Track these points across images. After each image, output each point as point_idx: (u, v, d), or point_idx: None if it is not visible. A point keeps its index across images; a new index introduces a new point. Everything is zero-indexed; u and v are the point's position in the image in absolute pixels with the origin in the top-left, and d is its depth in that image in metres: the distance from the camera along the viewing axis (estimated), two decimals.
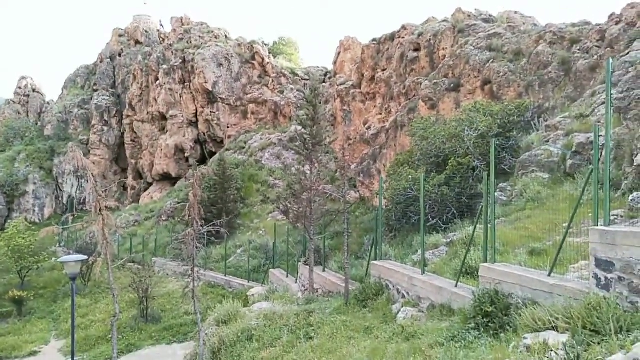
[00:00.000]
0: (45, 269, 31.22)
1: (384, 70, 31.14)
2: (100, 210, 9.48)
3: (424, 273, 9.88)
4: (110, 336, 17.73)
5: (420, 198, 11.00)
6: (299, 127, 27.92)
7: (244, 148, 42.08)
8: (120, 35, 62.44)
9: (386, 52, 31.54)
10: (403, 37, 30.02)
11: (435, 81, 24.32)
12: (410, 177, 16.46)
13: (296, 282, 17.98)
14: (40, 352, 19.85)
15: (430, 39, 26.93)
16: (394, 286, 10.82)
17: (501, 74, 21.27)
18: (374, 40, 33.29)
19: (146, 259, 28.80)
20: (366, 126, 30.60)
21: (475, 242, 9.05)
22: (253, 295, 17.94)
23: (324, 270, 16.01)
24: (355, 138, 30.66)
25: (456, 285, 8.48)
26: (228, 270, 24.64)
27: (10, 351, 19.98)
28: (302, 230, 18.27)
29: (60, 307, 25.49)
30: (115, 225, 10.93)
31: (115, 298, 9.93)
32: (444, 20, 27.85)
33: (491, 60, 22.18)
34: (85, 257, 12.39)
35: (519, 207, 11.81)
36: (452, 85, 23.49)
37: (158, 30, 62.11)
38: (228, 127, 46.30)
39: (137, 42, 60.55)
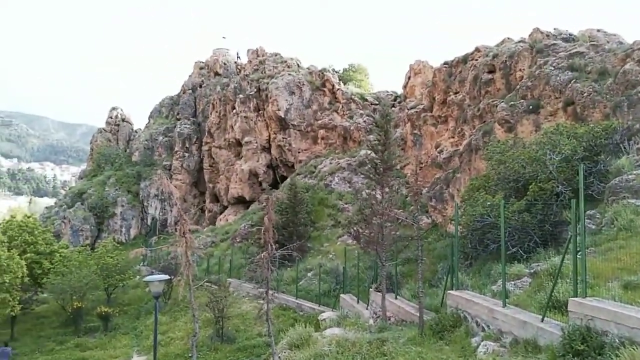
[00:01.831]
0: (130, 286, 33.28)
1: (456, 93, 30.57)
2: (183, 233, 10.04)
3: (505, 305, 9.39)
4: (188, 354, 18.45)
5: (499, 225, 10.55)
6: (369, 152, 27.93)
7: (313, 172, 42.79)
8: (201, 68, 66.68)
9: (459, 75, 31.00)
10: (476, 59, 29.39)
11: (512, 103, 23.46)
12: (487, 202, 15.84)
13: (367, 309, 17.73)
14: None
15: (505, 60, 26.14)
16: (472, 318, 10.36)
17: (585, 94, 20.10)
18: (445, 63, 32.88)
19: (222, 279, 29.80)
20: (438, 150, 30.02)
21: (562, 273, 8.49)
22: (324, 319, 17.90)
23: (396, 298, 15.69)
24: (427, 162, 30.12)
25: (542, 320, 7.96)
26: (299, 293, 24.85)
27: None
28: (373, 255, 18.10)
29: (142, 324, 26.93)
30: (196, 247, 11.49)
31: (196, 318, 10.37)
32: (520, 41, 26.96)
33: (573, 81, 21.06)
34: (168, 277, 13.09)
35: (609, 236, 10.94)
36: (530, 107, 22.52)
37: (235, 62, 65.58)
38: (299, 152, 47.43)
39: (216, 74, 64.23)
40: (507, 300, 9.53)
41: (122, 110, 70.97)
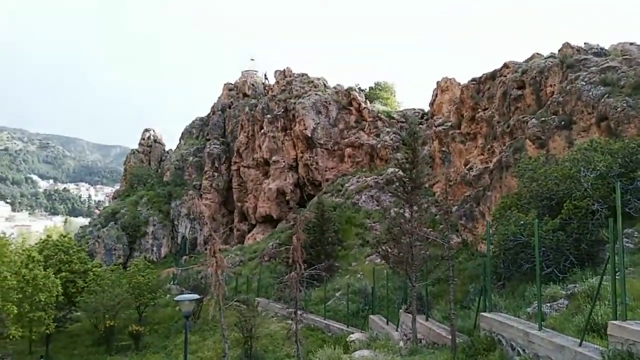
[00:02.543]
0: (160, 305, 33.67)
1: (485, 109, 30.24)
2: (214, 252, 10.16)
3: (541, 328, 9.06)
4: None
5: (533, 244, 10.27)
6: (396, 170, 27.76)
7: (340, 191, 42.76)
8: (230, 89, 68.12)
9: (487, 91, 30.70)
10: (505, 75, 29.08)
11: (543, 119, 23.03)
12: (519, 221, 15.47)
13: (397, 330, 17.42)
14: None
15: (535, 76, 25.77)
16: (507, 341, 10.04)
17: (619, 109, 19.56)
18: (473, 80, 32.65)
19: (250, 299, 29.88)
20: (467, 167, 29.61)
21: (601, 294, 8.16)
22: (353, 341, 17.66)
23: (427, 319, 15.37)
24: (456, 180, 29.72)
25: (580, 344, 7.64)
26: (327, 313, 24.63)
27: None
28: (402, 275, 17.84)
29: (172, 343, 27.15)
30: (226, 266, 11.59)
31: (225, 338, 10.40)
32: (550, 56, 26.56)
33: (606, 95, 20.54)
34: (199, 296, 13.19)
35: None
36: (562, 123, 22.05)
37: (263, 83, 66.76)
38: (326, 171, 47.58)
39: (245, 95, 65.45)
40: (543, 323, 9.21)
41: (154, 131, 72.86)
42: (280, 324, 24.27)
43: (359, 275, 29.29)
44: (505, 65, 29.97)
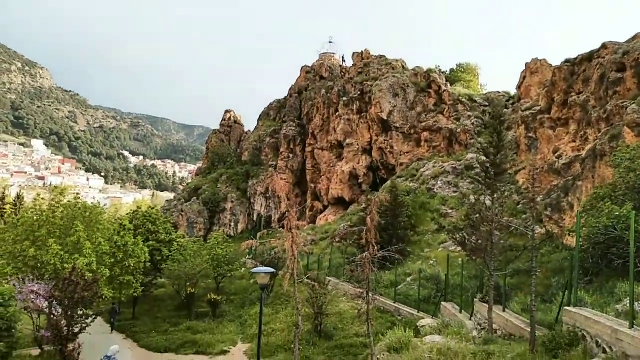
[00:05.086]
0: (236, 277, 35.30)
1: (579, 93, 28.01)
2: (290, 228, 10.42)
3: (632, 327, 8.37)
4: (289, 345, 19.10)
5: (627, 239, 9.43)
6: (477, 155, 26.65)
7: (415, 176, 41.90)
8: (307, 72, 68.74)
9: (582, 74, 28.37)
10: (603, 57, 26.68)
11: None
12: (613, 213, 14.28)
13: (471, 319, 16.91)
14: (229, 352, 22.31)
15: (637, 58, 23.40)
16: (592, 338, 9.40)
17: None
18: (567, 61, 30.28)
19: (321, 277, 30.43)
20: (556, 155, 27.71)
21: None
22: (424, 326, 17.42)
23: (504, 310, 14.76)
24: (543, 168, 27.94)
25: None
26: (397, 297, 24.49)
27: (205, 347, 22.95)
28: (478, 264, 17.22)
29: (247, 313, 28.41)
30: (301, 242, 11.87)
31: (299, 311, 10.70)
32: None
33: None
34: (274, 270, 13.61)
35: None
36: None
37: (340, 66, 66.66)
38: (400, 155, 46.79)
39: (322, 78, 65.78)
40: (634, 321, 8.50)
41: (234, 112, 75.63)
42: (349, 303, 24.49)
43: (431, 262, 28.72)
44: (604, 46, 27.47)
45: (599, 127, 24.35)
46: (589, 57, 28.41)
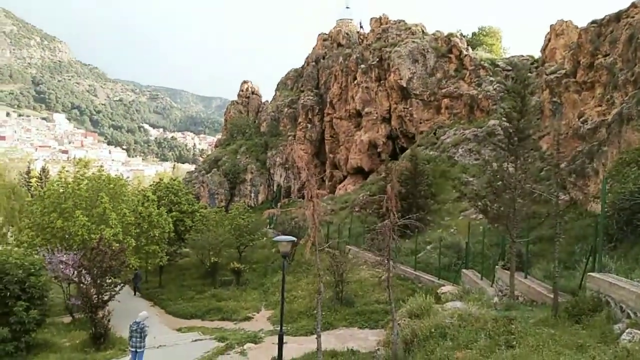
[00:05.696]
0: (258, 246, 35.93)
1: (606, 55, 26.93)
2: (311, 197, 10.47)
3: None
4: (311, 312, 19.48)
5: None
6: (499, 121, 26.06)
7: (435, 143, 41.38)
8: (324, 40, 67.50)
9: (609, 35, 27.19)
10: (632, 17, 25.45)
11: None
12: (639, 179, 13.95)
13: (492, 286, 16.96)
14: (253, 318, 22.96)
15: None
16: (616, 303, 9.34)
17: None
18: (593, 22, 29.02)
19: (341, 245, 30.72)
20: (581, 120, 26.95)
21: None
22: (444, 293, 17.57)
23: (525, 277, 14.73)
24: (567, 133, 27.25)
25: None
26: (417, 265, 24.63)
27: (230, 314, 23.66)
28: (500, 231, 17.10)
29: (269, 281, 29.03)
30: (322, 210, 11.93)
31: (321, 278, 10.89)
32: None
33: None
34: (295, 238, 13.74)
35: None
36: None
37: (358, 32, 65.18)
38: (420, 123, 46.11)
39: (339, 45, 64.56)
40: None
41: (251, 83, 75.20)
42: (369, 271, 24.76)
43: (452, 230, 28.68)
44: (634, 5, 26.15)
45: (626, 91, 23.49)
46: (616, 17, 27.15)
